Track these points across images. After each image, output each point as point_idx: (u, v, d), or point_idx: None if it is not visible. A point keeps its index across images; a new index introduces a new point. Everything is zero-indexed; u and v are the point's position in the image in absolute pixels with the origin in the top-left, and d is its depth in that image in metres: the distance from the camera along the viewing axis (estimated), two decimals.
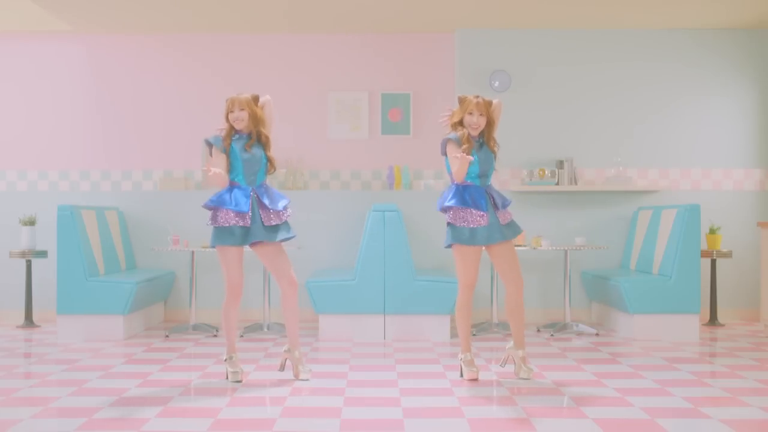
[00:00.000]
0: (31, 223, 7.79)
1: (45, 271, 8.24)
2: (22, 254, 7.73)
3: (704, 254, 7.75)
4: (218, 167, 5.03)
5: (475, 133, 5.11)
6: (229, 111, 5.11)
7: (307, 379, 5.17)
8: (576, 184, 8.13)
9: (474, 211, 5.01)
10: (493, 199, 5.10)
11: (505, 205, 5.14)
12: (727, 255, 7.77)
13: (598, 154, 8.29)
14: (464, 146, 5.04)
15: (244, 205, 4.98)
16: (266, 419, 4.14)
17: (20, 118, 8.44)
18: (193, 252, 7.24)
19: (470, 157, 4.89)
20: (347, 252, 8.18)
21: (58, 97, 8.45)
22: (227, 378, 5.14)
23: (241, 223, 4.98)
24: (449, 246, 5.12)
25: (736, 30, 8.30)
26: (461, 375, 5.22)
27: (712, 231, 7.84)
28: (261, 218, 5.02)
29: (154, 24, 8.11)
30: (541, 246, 7.14)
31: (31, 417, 4.20)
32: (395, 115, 8.43)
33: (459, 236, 5.05)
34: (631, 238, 8.03)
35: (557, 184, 8.05)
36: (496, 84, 8.23)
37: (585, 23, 8.13)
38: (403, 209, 8.11)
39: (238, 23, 8.09)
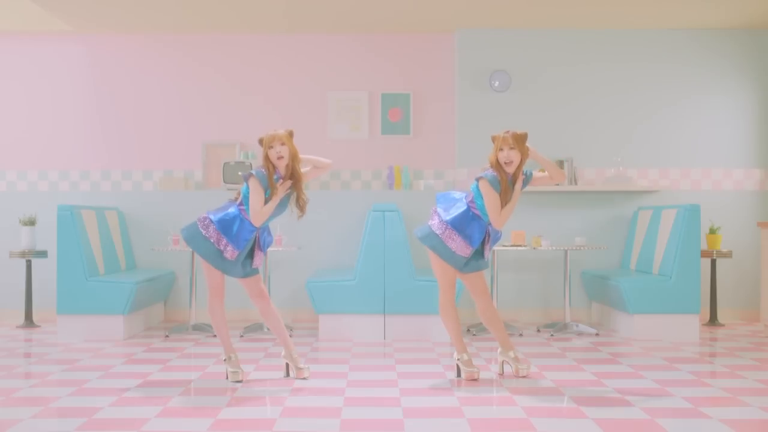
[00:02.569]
0: (31, 223, 7.79)
1: (45, 271, 8.24)
2: (22, 254, 7.73)
3: (704, 254, 7.75)
4: (258, 203, 4.90)
5: (510, 170, 5.05)
6: (268, 147, 4.95)
7: (306, 375, 5.18)
8: (576, 184, 8.13)
9: (464, 243, 5.04)
10: (489, 237, 5.14)
11: (495, 242, 5.20)
12: (727, 255, 7.77)
13: (598, 154, 8.29)
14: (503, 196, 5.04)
15: (242, 244, 4.95)
16: (266, 419, 4.15)
17: (20, 118, 8.44)
18: (193, 252, 7.24)
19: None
20: (347, 252, 8.18)
21: (59, 97, 8.45)
22: (227, 378, 5.14)
23: (232, 258, 4.96)
24: (422, 238, 5.09)
25: (736, 30, 8.30)
26: (458, 375, 5.22)
27: (712, 231, 7.84)
28: (252, 259, 5.08)
29: (153, 24, 8.11)
30: (541, 246, 7.14)
31: (31, 417, 4.20)
32: (395, 115, 8.43)
33: (440, 249, 5.06)
34: (631, 238, 8.03)
35: (557, 184, 8.04)
36: (496, 84, 8.23)
37: (585, 23, 8.13)
38: (403, 209, 8.11)
39: (238, 23, 8.09)
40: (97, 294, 6.84)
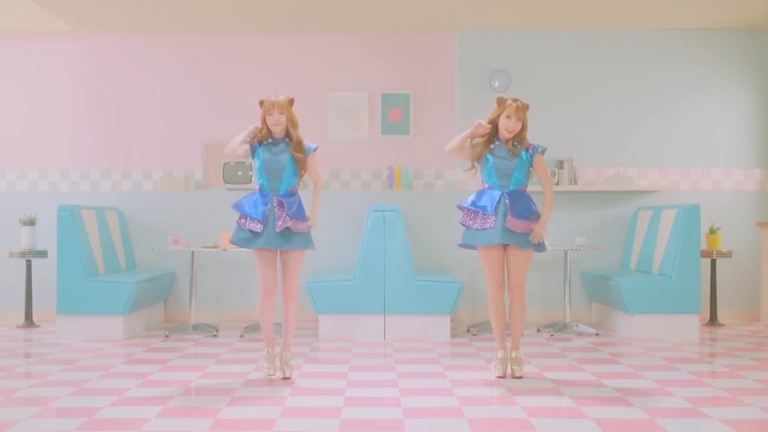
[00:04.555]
0: (31, 223, 7.79)
1: (45, 271, 8.24)
2: (22, 254, 7.73)
3: (704, 254, 7.75)
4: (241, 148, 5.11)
5: (508, 136, 5.16)
6: (267, 113, 5.09)
7: (290, 376, 5.20)
8: (576, 184, 8.13)
9: (480, 214, 5.12)
10: (511, 205, 5.10)
11: (523, 215, 5.09)
12: (727, 255, 7.77)
13: (598, 154, 8.29)
14: (478, 150, 5.19)
15: (259, 213, 5.03)
16: (266, 419, 4.15)
17: (21, 118, 8.44)
18: (193, 252, 7.24)
19: (482, 124, 5.15)
20: (347, 252, 8.18)
21: (59, 97, 8.45)
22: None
23: (255, 229, 5.04)
24: (463, 244, 5.23)
25: (736, 30, 8.30)
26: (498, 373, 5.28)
27: (712, 231, 7.85)
28: (273, 226, 5.07)
29: (154, 24, 8.11)
30: None
31: (31, 417, 4.20)
32: (395, 115, 8.43)
33: (466, 237, 5.20)
34: (631, 238, 8.04)
35: (557, 184, 8.05)
36: (496, 84, 8.23)
37: (585, 23, 8.13)
38: (403, 209, 8.11)
39: (238, 23, 8.09)
40: (97, 294, 6.84)
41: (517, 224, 5.09)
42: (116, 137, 8.45)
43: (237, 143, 5.10)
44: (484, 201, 5.12)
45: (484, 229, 5.09)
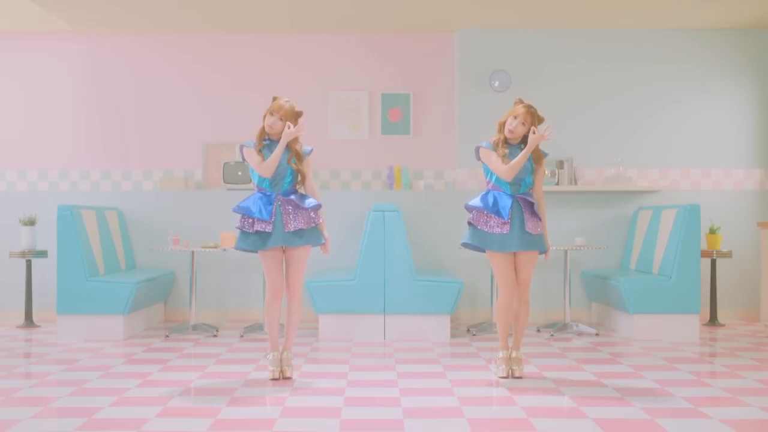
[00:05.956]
0: (31, 223, 7.79)
1: (45, 271, 8.24)
2: (22, 254, 7.73)
3: (704, 254, 7.75)
4: (257, 161, 5.07)
5: (510, 136, 5.14)
6: (269, 112, 5.09)
7: (290, 376, 5.20)
8: (576, 184, 8.13)
9: (494, 218, 5.10)
10: (525, 208, 5.12)
11: (537, 216, 5.15)
12: (727, 255, 7.77)
13: (598, 154, 8.29)
14: (500, 151, 5.11)
15: (267, 213, 5.03)
16: (266, 419, 4.15)
17: (20, 117, 8.44)
18: (193, 252, 7.24)
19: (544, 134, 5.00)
20: (347, 252, 8.18)
21: (59, 97, 8.45)
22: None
23: (265, 229, 5.02)
24: (466, 243, 5.19)
25: (736, 30, 8.30)
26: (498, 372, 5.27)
27: (712, 231, 7.85)
28: (283, 224, 5.06)
29: (153, 24, 8.11)
30: None
31: (31, 417, 4.20)
32: (395, 115, 8.43)
33: (475, 238, 5.15)
34: (631, 238, 8.04)
35: (557, 184, 8.05)
36: (496, 84, 8.23)
37: (585, 23, 8.13)
38: (403, 209, 8.11)
39: (238, 23, 8.09)
40: (97, 294, 6.84)
41: (534, 225, 5.12)
42: (116, 137, 8.45)
43: (272, 160, 5.06)
44: (499, 205, 5.10)
45: (500, 234, 5.08)
